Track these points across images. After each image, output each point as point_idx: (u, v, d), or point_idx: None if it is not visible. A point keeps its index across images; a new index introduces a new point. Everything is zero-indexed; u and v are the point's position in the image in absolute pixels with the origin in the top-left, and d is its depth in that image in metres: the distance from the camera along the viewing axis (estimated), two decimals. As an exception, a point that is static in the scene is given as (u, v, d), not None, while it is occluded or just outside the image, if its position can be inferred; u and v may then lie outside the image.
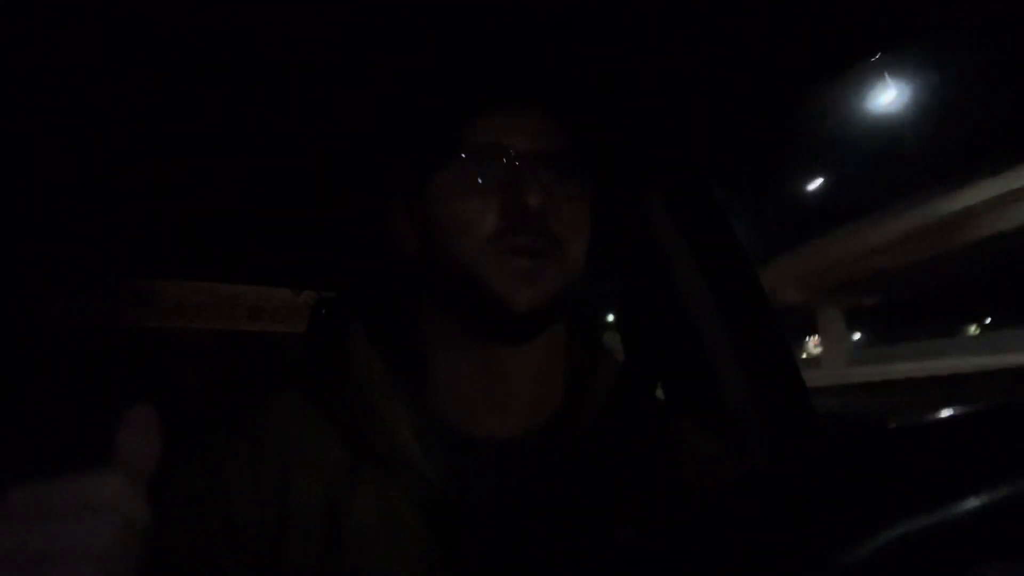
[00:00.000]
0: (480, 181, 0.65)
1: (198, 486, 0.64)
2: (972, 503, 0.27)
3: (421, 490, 0.64)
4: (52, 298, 1.99)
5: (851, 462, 0.31)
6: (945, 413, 0.35)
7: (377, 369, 0.69)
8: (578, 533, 0.63)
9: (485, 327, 0.67)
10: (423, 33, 0.78)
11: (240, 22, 0.75)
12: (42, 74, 0.84)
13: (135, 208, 1.33)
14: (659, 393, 1.21)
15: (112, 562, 0.40)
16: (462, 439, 0.67)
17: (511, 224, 0.64)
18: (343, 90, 0.91)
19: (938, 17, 0.78)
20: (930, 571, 0.27)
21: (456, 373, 0.69)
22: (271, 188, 1.27)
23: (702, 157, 1.15)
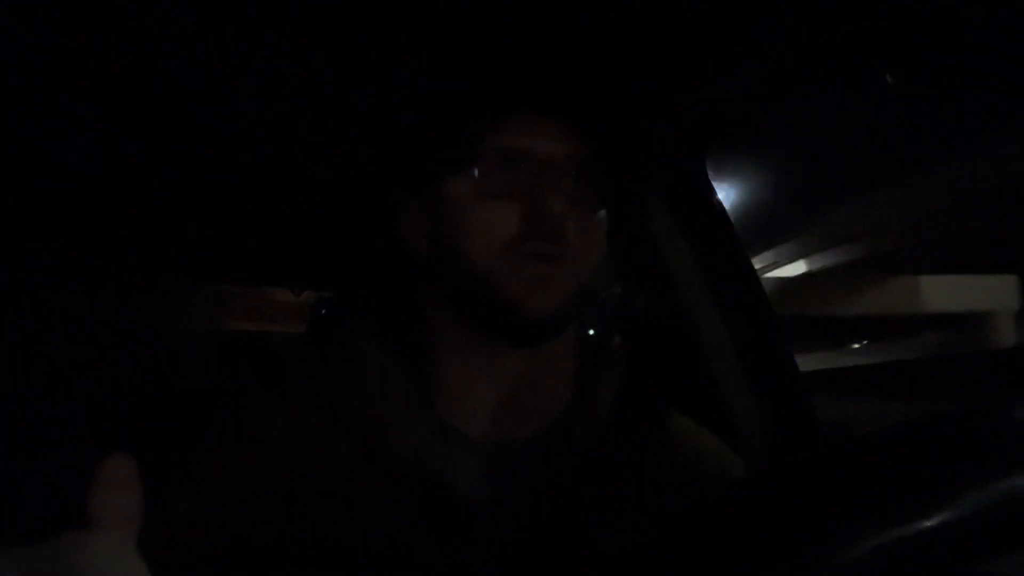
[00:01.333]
0: (501, 185, 0.65)
1: (201, 485, 0.64)
2: (980, 498, 0.27)
3: (427, 491, 0.64)
4: (52, 299, 1.99)
5: (853, 460, 0.31)
6: (945, 411, 0.35)
7: (383, 369, 0.69)
8: (582, 534, 0.63)
9: (498, 331, 0.66)
10: (443, 37, 0.77)
11: (257, 21, 0.75)
12: (45, 78, 0.84)
13: (139, 209, 1.33)
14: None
15: None
16: (468, 440, 0.67)
17: (531, 229, 0.64)
18: (360, 93, 0.90)
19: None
20: (936, 568, 0.27)
21: (464, 376, 0.69)
22: (275, 189, 1.27)
23: (703, 158, 1.15)
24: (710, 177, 1.16)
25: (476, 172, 0.66)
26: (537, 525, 0.64)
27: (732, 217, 1.16)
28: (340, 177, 1.21)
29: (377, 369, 0.69)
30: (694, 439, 0.77)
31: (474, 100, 0.71)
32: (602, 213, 0.70)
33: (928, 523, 0.27)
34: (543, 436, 0.69)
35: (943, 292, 8.49)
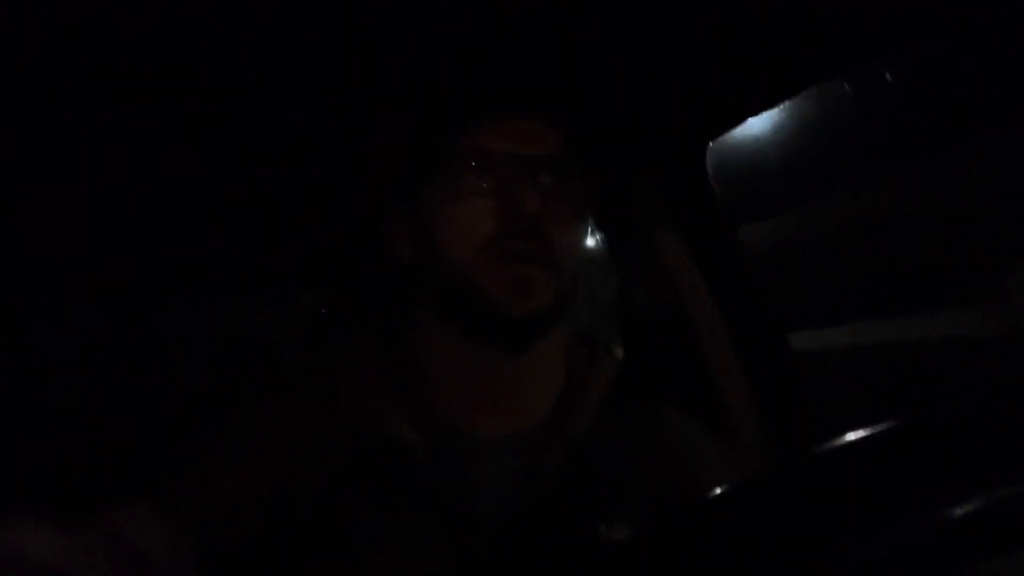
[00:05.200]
0: (475, 186, 0.65)
1: (198, 485, 0.64)
2: (976, 500, 0.27)
3: (421, 485, 0.64)
4: (54, 301, 1.99)
5: (850, 462, 0.31)
6: (942, 412, 0.35)
7: (376, 368, 0.70)
8: (576, 528, 0.63)
9: (482, 333, 0.67)
10: (418, 40, 0.77)
11: (234, 28, 0.75)
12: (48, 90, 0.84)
13: (137, 213, 1.33)
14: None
15: None
16: (461, 436, 0.68)
17: (507, 229, 0.64)
18: (337, 99, 0.90)
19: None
20: (933, 569, 0.27)
21: (454, 375, 0.69)
22: (272, 190, 1.28)
23: (702, 154, 1.15)
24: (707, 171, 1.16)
25: (452, 174, 0.66)
26: (532, 517, 0.65)
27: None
28: (332, 184, 1.21)
29: (371, 367, 0.69)
30: (689, 434, 0.77)
31: (448, 102, 0.71)
32: (584, 209, 0.69)
33: (924, 524, 0.27)
34: (537, 429, 0.70)
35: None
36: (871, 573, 0.27)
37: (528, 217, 0.63)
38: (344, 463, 0.65)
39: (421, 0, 0.69)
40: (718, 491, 0.32)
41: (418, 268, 0.70)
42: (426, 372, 0.70)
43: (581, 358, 0.75)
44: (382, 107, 0.90)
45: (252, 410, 0.70)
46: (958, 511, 0.27)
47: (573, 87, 0.77)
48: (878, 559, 0.27)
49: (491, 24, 0.74)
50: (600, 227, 1.26)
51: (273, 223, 1.47)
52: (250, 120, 0.98)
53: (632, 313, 1.25)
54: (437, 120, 0.69)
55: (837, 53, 0.86)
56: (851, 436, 0.32)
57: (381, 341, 0.73)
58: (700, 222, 1.15)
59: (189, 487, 0.64)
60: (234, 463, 0.65)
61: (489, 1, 0.70)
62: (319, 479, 0.64)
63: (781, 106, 0.99)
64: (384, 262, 0.74)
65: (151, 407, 1.98)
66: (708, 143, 1.13)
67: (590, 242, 1.35)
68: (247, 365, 2.28)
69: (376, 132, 0.94)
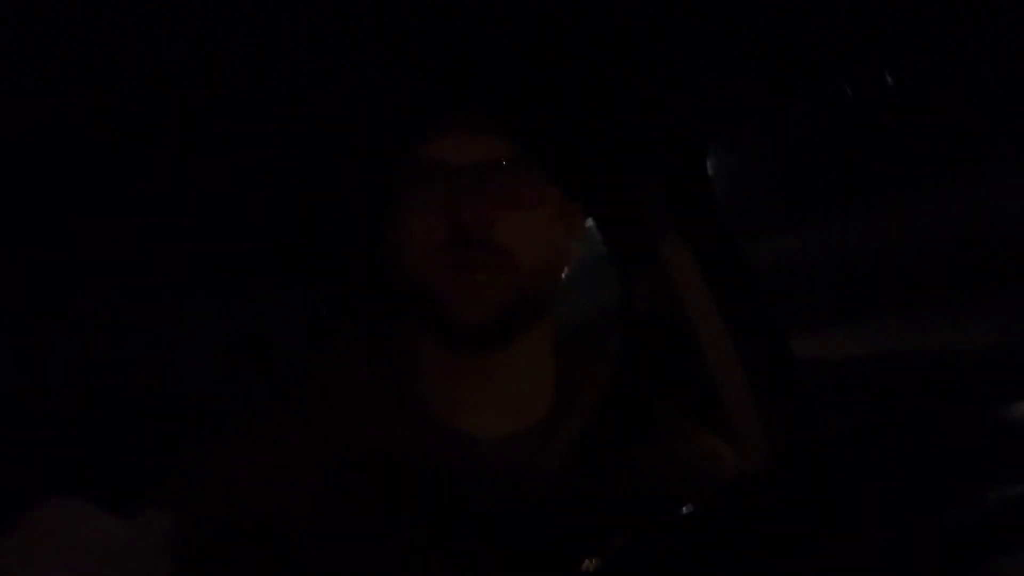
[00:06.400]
0: (424, 196, 0.65)
1: (196, 491, 0.65)
2: (986, 498, 0.28)
3: (418, 487, 0.64)
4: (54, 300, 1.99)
5: (853, 460, 0.31)
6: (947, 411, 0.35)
7: (374, 369, 0.70)
8: (573, 530, 0.63)
9: (442, 339, 0.67)
10: (374, 54, 0.78)
11: (236, 30, 0.75)
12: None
13: (138, 215, 1.34)
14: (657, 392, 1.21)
15: None
16: (457, 436, 0.68)
17: (451, 239, 0.64)
18: (310, 105, 0.91)
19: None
20: (945, 566, 0.28)
21: (444, 375, 0.70)
22: (272, 191, 1.28)
23: (703, 155, 1.15)
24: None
25: (409, 186, 0.66)
26: (528, 519, 0.65)
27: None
28: (332, 187, 1.22)
29: (370, 371, 0.70)
30: (689, 436, 0.77)
31: (403, 115, 0.72)
32: (550, 210, 0.68)
33: (925, 525, 0.27)
34: (532, 430, 0.70)
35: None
36: (871, 572, 0.27)
37: (473, 227, 0.63)
38: (342, 465, 0.65)
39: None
40: (717, 492, 0.32)
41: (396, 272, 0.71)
42: (420, 373, 0.71)
43: (577, 359, 0.75)
44: (352, 116, 0.90)
45: (251, 415, 0.70)
46: (958, 511, 0.28)
47: (524, 94, 0.76)
48: (878, 558, 0.27)
49: (451, 34, 0.74)
50: (601, 230, 1.26)
51: (273, 223, 1.47)
52: (245, 121, 0.99)
53: (633, 315, 1.25)
54: (399, 133, 0.69)
55: (836, 56, 0.86)
56: (850, 437, 0.32)
57: (378, 342, 0.73)
58: (701, 224, 1.15)
59: (191, 494, 0.64)
60: (233, 470, 0.66)
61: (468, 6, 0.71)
62: (317, 482, 0.65)
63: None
64: (379, 264, 0.74)
65: (151, 407, 1.97)
66: (708, 146, 1.14)
67: (590, 243, 1.35)
68: (247, 365, 2.28)
69: (351, 140, 0.95)
